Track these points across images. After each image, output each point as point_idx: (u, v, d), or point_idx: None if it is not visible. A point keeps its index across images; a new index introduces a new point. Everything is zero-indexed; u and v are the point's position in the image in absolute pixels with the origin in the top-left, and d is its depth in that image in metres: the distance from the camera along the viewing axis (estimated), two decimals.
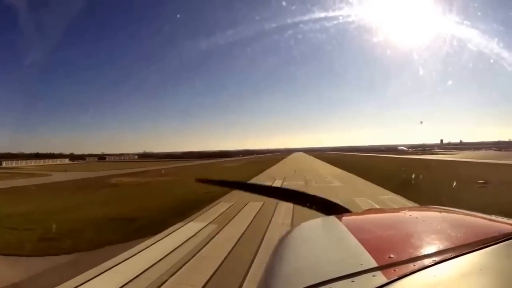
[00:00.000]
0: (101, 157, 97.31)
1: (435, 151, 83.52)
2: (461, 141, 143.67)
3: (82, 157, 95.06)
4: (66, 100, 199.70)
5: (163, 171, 29.68)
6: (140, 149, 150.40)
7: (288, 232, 1.24)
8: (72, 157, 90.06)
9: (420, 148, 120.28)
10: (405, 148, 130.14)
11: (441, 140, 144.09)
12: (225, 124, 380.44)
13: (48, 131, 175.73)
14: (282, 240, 1.14)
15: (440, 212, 1.38)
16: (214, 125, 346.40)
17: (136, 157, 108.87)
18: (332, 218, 1.31)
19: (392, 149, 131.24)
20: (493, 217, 1.14)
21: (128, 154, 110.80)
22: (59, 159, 79.35)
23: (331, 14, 17.61)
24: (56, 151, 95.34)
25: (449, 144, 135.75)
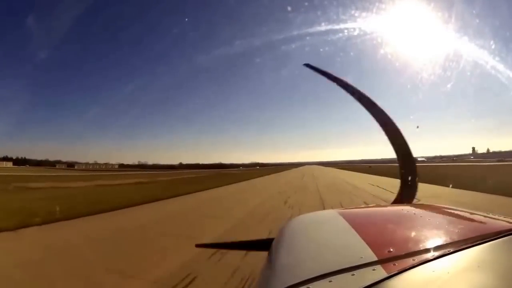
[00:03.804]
0: (70, 165, 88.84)
1: (488, 161, 64.77)
2: (488, 150, 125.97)
3: (52, 163, 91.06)
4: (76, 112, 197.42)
5: None
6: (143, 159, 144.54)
7: (287, 223, 1.24)
8: (35, 163, 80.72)
9: (444, 159, 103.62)
10: (425, 159, 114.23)
11: (473, 148, 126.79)
12: (239, 140, 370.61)
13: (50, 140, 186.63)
14: (281, 232, 1.15)
15: (439, 209, 1.40)
16: (228, 139, 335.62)
17: (117, 166, 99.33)
18: (331, 212, 1.33)
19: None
20: (490, 214, 1.14)
21: (104, 164, 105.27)
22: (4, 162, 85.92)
23: (341, 26, 16.98)
24: (65, 159, 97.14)
25: (475, 153, 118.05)
